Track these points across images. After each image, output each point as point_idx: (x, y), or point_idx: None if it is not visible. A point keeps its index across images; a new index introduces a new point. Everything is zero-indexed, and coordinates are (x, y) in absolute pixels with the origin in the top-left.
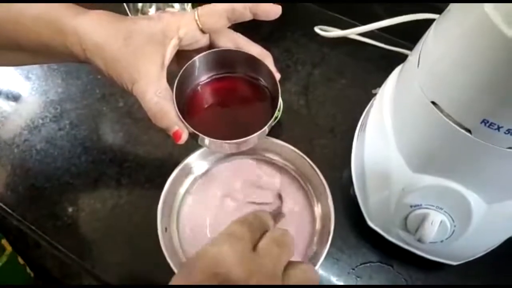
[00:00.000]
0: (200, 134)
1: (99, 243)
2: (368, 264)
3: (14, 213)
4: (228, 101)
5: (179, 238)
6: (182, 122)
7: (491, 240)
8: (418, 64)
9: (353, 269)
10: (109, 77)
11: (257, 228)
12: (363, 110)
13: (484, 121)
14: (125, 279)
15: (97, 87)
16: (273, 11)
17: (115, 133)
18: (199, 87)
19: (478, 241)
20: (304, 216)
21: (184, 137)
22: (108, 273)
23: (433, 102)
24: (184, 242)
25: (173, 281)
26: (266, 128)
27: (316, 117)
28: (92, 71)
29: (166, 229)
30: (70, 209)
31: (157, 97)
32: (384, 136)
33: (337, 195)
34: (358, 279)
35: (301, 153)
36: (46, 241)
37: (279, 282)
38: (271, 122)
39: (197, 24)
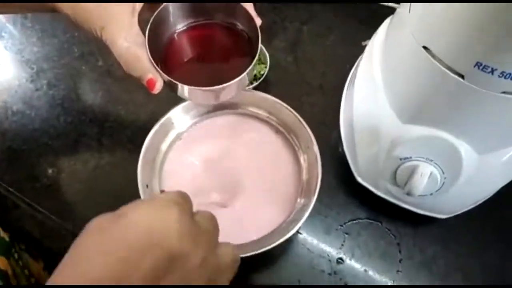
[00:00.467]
0: (176, 82)
1: (80, 204)
2: (356, 221)
3: None
4: (206, 49)
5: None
6: (156, 69)
7: (482, 192)
8: (410, 9)
9: (341, 225)
10: (76, 23)
11: (191, 204)
12: (353, 67)
13: (478, 64)
14: None
15: (75, 45)
16: None
17: (94, 92)
18: (175, 35)
19: (468, 193)
20: (290, 168)
21: (159, 85)
22: None
23: (424, 47)
24: None
25: (84, 244)
26: (245, 75)
27: (305, 74)
28: (69, 28)
29: (147, 186)
30: (49, 171)
31: (128, 43)
32: (373, 88)
33: (326, 154)
34: (347, 235)
35: (286, 106)
36: (25, 202)
37: (215, 258)
38: (251, 69)
39: None
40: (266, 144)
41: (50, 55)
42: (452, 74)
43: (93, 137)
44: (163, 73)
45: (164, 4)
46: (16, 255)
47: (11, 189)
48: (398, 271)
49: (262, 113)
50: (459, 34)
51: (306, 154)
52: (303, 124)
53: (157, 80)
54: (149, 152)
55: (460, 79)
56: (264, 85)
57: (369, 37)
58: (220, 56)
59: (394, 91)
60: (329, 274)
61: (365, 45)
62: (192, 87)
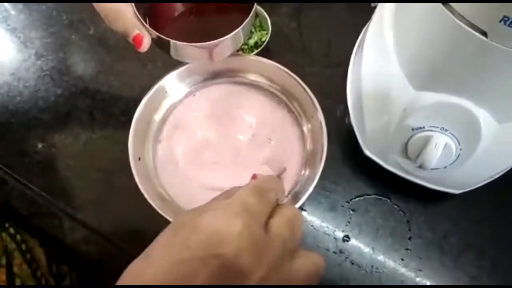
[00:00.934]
0: (165, 38)
1: (72, 180)
2: (363, 197)
3: None
4: (197, 3)
5: (155, 167)
6: (143, 24)
7: (500, 165)
8: None
9: (348, 202)
10: None
11: (272, 201)
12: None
13: (504, 19)
14: (101, 216)
15: (64, 13)
16: None
17: (86, 62)
18: None
19: (485, 166)
20: (293, 139)
21: (146, 42)
22: (83, 210)
23: (444, 3)
24: (161, 173)
25: (160, 240)
26: (240, 30)
27: (309, 42)
28: None
29: (139, 158)
30: (39, 145)
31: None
32: (384, 52)
33: (331, 127)
34: (353, 212)
35: (289, 71)
36: (14, 178)
37: (286, 274)
38: (246, 24)
39: None
40: (267, 113)
41: (38, 23)
42: (473, 32)
43: (85, 109)
44: (150, 29)
45: None
46: (12, 230)
47: None
48: (407, 249)
49: (263, 80)
50: None
51: (310, 124)
52: (307, 92)
53: (144, 36)
54: (141, 123)
55: (483, 37)
56: (265, 54)
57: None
58: (213, 11)
59: (407, 55)
60: (334, 252)
61: (375, 6)
62: (182, 43)
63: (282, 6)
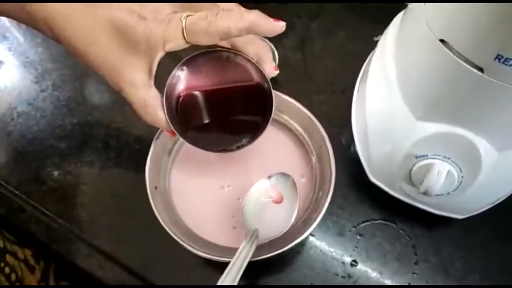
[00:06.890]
0: (196, 147)
1: (87, 207)
2: (370, 222)
3: None
4: (221, 105)
5: (171, 196)
6: (176, 134)
7: (501, 191)
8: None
9: (355, 227)
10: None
11: None
12: (364, 64)
13: (498, 57)
14: (116, 242)
15: None
16: (277, 29)
17: (101, 93)
18: (190, 92)
19: (486, 192)
20: (301, 168)
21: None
22: (99, 236)
23: (441, 40)
24: (176, 200)
25: None
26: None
27: (314, 72)
28: None
29: (156, 187)
30: (55, 173)
31: (147, 107)
32: (387, 84)
33: (337, 153)
34: (360, 237)
35: (297, 103)
36: (31, 205)
37: None
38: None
39: (183, 36)
40: (277, 143)
41: (55, 56)
42: (470, 68)
43: (100, 138)
44: (184, 140)
45: (181, 62)
46: (7, 269)
47: (17, 192)
48: (413, 273)
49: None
50: (478, 24)
51: (318, 153)
52: (315, 123)
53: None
54: (157, 153)
55: (479, 72)
56: (272, 84)
57: (380, 32)
58: (236, 112)
59: (409, 87)
60: (343, 277)
61: (377, 41)
62: (221, 153)
63: (288, 38)
